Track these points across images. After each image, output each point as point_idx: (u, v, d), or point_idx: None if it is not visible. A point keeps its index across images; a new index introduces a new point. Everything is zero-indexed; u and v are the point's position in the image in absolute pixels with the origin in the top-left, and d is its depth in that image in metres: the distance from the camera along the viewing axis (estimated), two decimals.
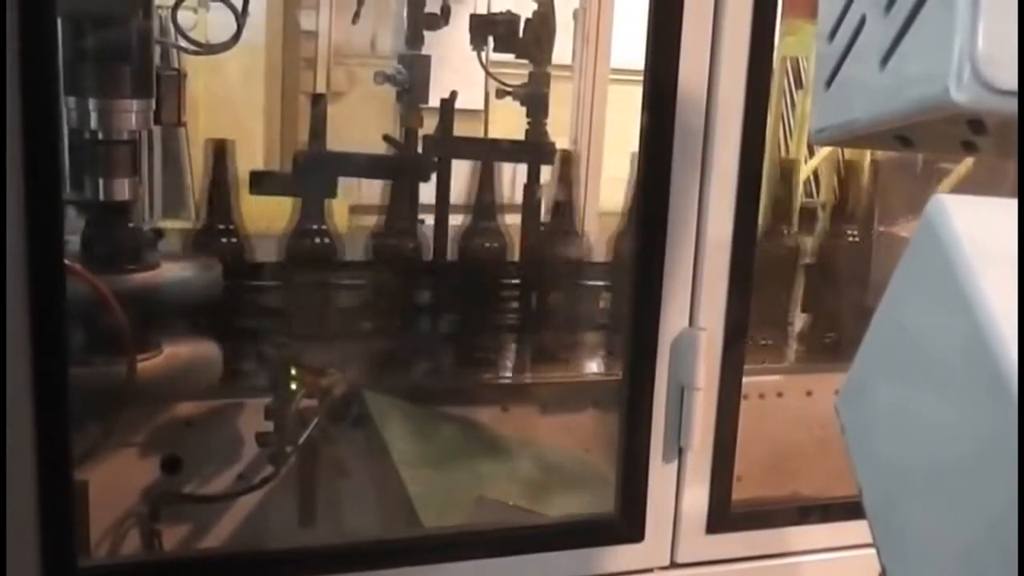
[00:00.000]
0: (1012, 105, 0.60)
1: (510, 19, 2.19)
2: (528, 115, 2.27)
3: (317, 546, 1.54)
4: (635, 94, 1.42)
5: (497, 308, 2.12)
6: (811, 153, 3.99)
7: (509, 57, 2.25)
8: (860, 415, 0.73)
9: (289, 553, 1.45)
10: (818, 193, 3.86)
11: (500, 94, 2.35)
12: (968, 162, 2.15)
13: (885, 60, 0.68)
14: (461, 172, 2.14)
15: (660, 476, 1.48)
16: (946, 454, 0.62)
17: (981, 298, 0.59)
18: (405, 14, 2.20)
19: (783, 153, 3.62)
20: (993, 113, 0.62)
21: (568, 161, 2.14)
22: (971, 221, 0.62)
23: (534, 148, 2.23)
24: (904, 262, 0.68)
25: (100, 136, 1.59)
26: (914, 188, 2.24)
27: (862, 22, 0.72)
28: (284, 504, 1.75)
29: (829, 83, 0.78)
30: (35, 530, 1.20)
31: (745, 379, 1.51)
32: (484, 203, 2.07)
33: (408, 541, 1.52)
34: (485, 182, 2.07)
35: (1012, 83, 0.60)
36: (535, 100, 2.26)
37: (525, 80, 2.29)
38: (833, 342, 2.20)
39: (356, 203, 2.56)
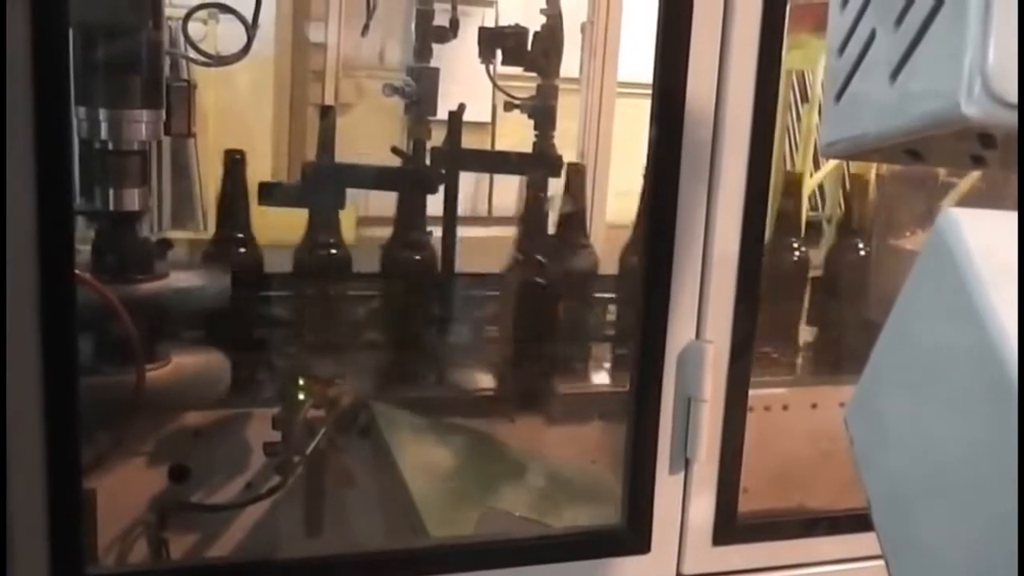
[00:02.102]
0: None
1: (518, 32, 2.20)
2: (536, 128, 2.27)
3: (324, 556, 1.53)
4: (642, 107, 1.43)
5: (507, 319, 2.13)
6: (816, 166, 3.99)
7: (517, 70, 2.25)
8: (869, 427, 0.73)
9: (296, 562, 1.46)
10: (823, 206, 3.87)
11: (508, 107, 2.35)
12: (974, 175, 2.15)
13: (895, 74, 0.68)
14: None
15: (666, 487, 1.48)
16: (956, 467, 0.62)
17: (992, 311, 0.59)
18: (414, 27, 2.20)
19: (787, 166, 3.63)
20: (1003, 127, 0.62)
21: (578, 174, 2.15)
22: (982, 234, 0.62)
23: (542, 161, 2.24)
24: (914, 275, 0.68)
25: (110, 146, 1.59)
26: (919, 201, 2.24)
27: (872, 36, 0.72)
28: (291, 514, 1.76)
29: (839, 97, 0.78)
30: (44, 538, 1.20)
31: (751, 391, 1.51)
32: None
33: (414, 551, 1.53)
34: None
35: None
36: (543, 113, 2.27)
37: (533, 93, 2.29)
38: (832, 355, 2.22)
39: (364, 215, 2.56)
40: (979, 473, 0.59)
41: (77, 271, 1.24)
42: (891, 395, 0.71)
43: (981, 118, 0.60)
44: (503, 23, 2.28)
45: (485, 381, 2.10)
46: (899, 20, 0.68)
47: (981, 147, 0.67)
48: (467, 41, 2.23)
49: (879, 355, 0.72)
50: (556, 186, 2.23)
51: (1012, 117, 0.60)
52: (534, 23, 2.22)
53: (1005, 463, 0.56)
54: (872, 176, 2.30)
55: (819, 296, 2.24)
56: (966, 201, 2.41)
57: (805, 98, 4.34)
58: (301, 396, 1.75)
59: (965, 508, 0.61)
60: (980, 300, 0.59)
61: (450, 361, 2.09)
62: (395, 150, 2.12)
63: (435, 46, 2.19)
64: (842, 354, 2.20)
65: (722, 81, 1.39)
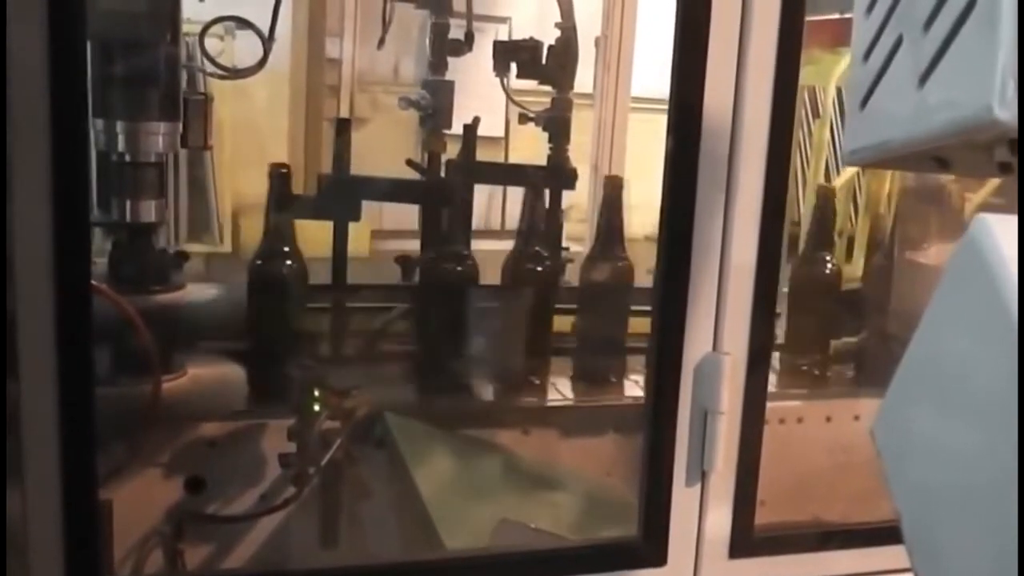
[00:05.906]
0: None
1: (533, 46, 2.21)
2: (550, 141, 2.27)
3: (339, 567, 1.54)
4: (654, 122, 1.43)
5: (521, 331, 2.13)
6: (827, 181, 3.99)
7: (532, 84, 2.26)
8: (897, 440, 0.72)
9: (311, 574, 1.46)
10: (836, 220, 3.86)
11: (523, 120, 2.36)
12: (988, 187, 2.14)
13: (923, 80, 0.67)
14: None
15: (683, 499, 1.47)
16: (987, 479, 0.61)
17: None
18: (429, 41, 2.21)
19: (799, 181, 3.63)
20: None
21: (615, 187, 2.14)
22: (1014, 240, 0.61)
23: (556, 174, 2.24)
24: (944, 283, 0.66)
25: (127, 158, 1.60)
26: (934, 215, 2.24)
27: (898, 42, 0.72)
28: (306, 525, 1.75)
29: (863, 104, 0.77)
30: (60, 548, 1.20)
31: (767, 404, 1.50)
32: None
33: (430, 563, 1.53)
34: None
35: None
36: (557, 126, 2.27)
37: (547, 106, 2.30)
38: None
39: (378, 227, 2.57)
40: (1006, 486, 0.59)
41: (94, 282, 1.24)
42: (919, 407, 0.70)
43: (1014, 122, 0.60)
44: (518, 37, 2.28)
45: (499, 393, 2.10)
46: (927, 25, 0.67)
47: (1010, 153, 0.66)
48: (482, 55, 2.23)
49: (907, 366, 0.71)
50: (569, 198, 2.23)
51: None
52: (548, 37, 2.22)
53: None
54: (885, 190, 2.30)
55: (838, 308, 2.24)
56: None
57: (816, 114, 4.33)
58: (317, 407, 1.75)
59: (993, 521, 0.60)
60: (1015, 309, 0.58)
61: (465, 372, 2.08)
62: (410, 163, 2.13)
63: (450, 60, 2.20)
64: (861, 366, 2.20)
65: (739, 95, 1.40)
